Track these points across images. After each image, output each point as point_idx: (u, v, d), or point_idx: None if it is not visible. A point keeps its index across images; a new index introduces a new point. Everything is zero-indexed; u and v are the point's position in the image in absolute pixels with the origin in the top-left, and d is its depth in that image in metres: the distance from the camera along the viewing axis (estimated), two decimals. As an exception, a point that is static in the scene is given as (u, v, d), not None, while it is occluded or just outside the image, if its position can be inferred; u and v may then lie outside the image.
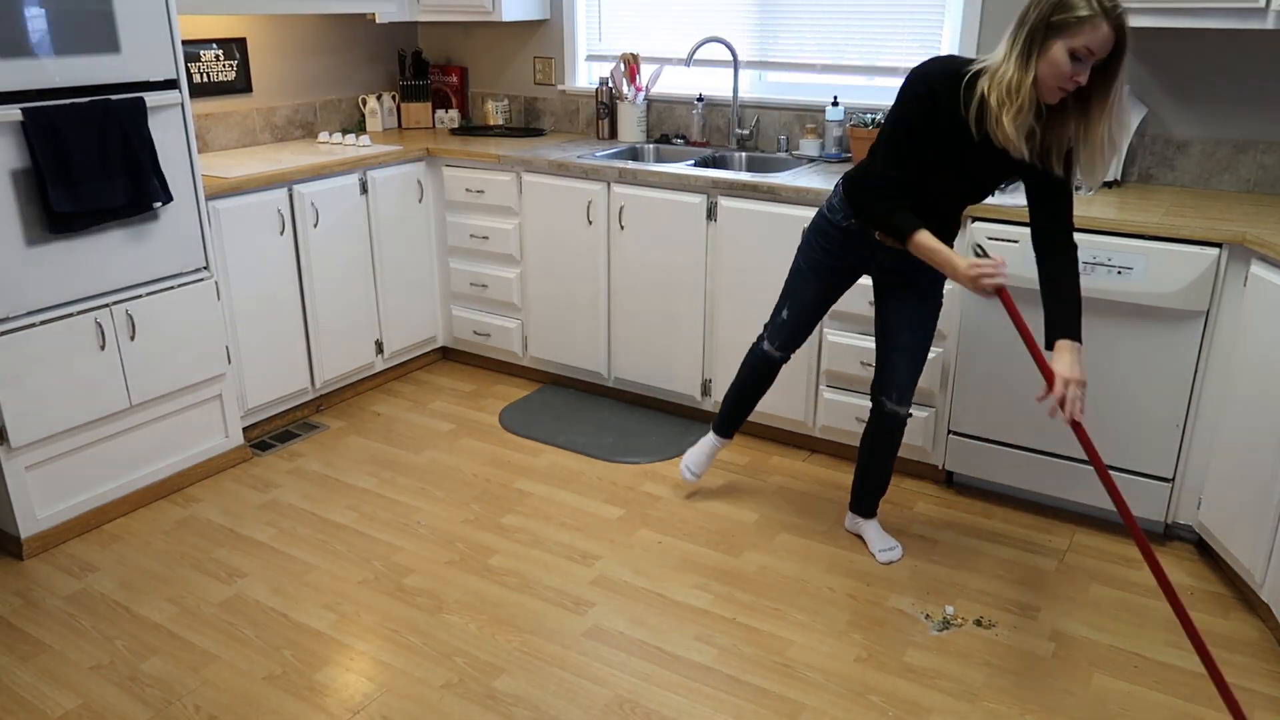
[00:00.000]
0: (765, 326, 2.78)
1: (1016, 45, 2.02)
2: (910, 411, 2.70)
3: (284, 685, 2.30)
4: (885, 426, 2.68)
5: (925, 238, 2.25)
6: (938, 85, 2.16)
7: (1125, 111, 2.08)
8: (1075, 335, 2.16)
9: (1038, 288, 2.78)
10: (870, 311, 3.11)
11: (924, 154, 2.25)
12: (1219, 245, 2.57)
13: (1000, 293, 2.19)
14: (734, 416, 2.96)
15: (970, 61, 2.17)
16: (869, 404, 2.75)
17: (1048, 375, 2.14)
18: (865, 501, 2.85)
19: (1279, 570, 2.38)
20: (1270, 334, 2.41)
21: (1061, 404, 2.11)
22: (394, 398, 3.92)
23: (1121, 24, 1.97)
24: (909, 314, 2.54)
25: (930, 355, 3.04)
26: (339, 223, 3.61)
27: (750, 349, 2.84)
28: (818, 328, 2.93)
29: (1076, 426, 2.13)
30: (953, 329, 3.01)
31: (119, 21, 2.77)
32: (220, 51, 3.76)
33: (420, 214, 3.97)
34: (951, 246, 2.34)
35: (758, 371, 2.82)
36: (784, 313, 2.69)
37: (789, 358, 2.79)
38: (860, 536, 2.88)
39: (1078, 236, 2.70)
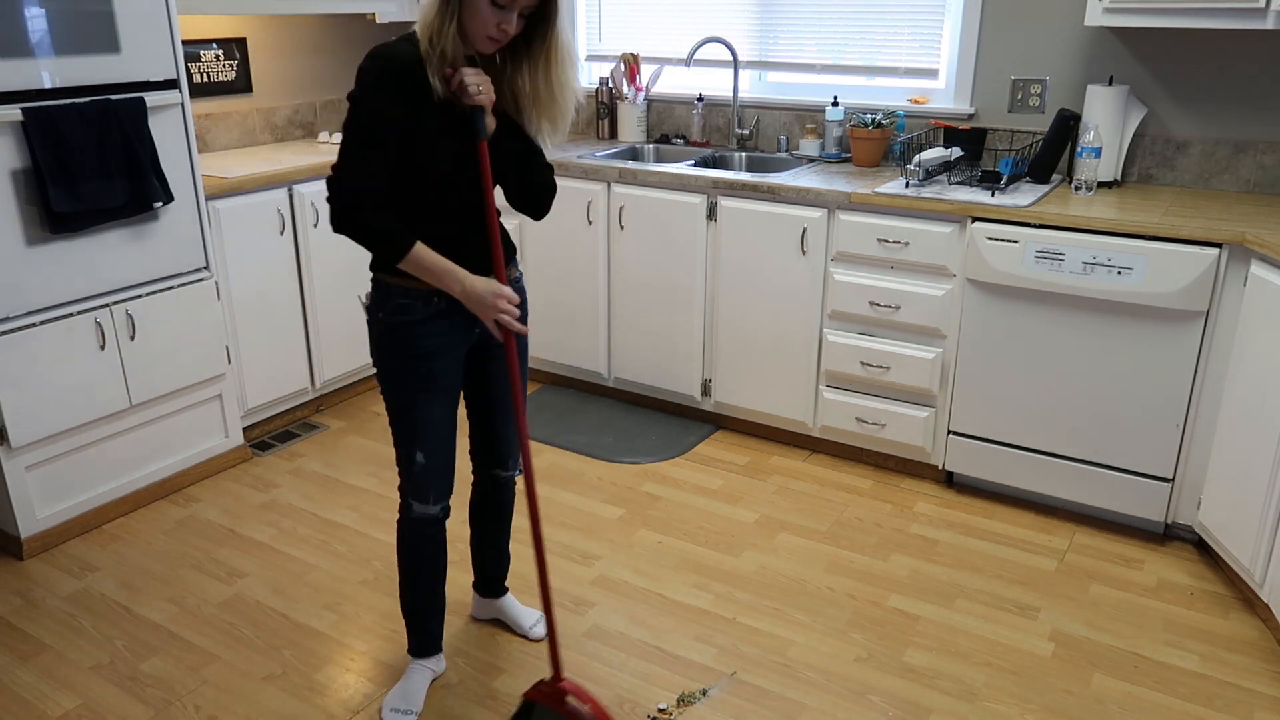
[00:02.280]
0: (402, 489, 2.11)
1: (442, 4, 1.80)
2: (517, 473, 2.30)
3: (284, 685, 2.30)
4: (501, 496, 2.33)
5: (421, 254, 1.87)
6: (398, 67, 1.83)
7: (569, 66, 1.90)
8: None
9: (1035, 287, 2.79)
10: (868, 311, 3.11)
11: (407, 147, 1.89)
12: (1219, 245, 2.57)
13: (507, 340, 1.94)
14: (429, 621, 2.27)
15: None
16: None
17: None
18: (496, 582, 2.46)
19: (1279, 570, 2.38)
20: (1270, 334, 2.41)
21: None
22: (394, 398, 3.92)
23: None
24: (509, 368, 2.04)
25: (930, 355, 3.05)
26: (339, 223, 3.61)
27: (399, 525, 2.15)
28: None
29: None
30: (953, 329, 3.01)
31: (119, 21, 2.77)
32: (220, 51, 3.76)
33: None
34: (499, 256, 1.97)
35: (424, 548, 2.17)
36: (418, 457, 2.05)
37: (449, 510, 2.17)
38: (498, 620, 2.50)
39: (1078, 237, 2.72)
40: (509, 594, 2.50)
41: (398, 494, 2.12)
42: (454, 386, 2.07)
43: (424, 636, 2.27)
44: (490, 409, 2.20)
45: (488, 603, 2.49)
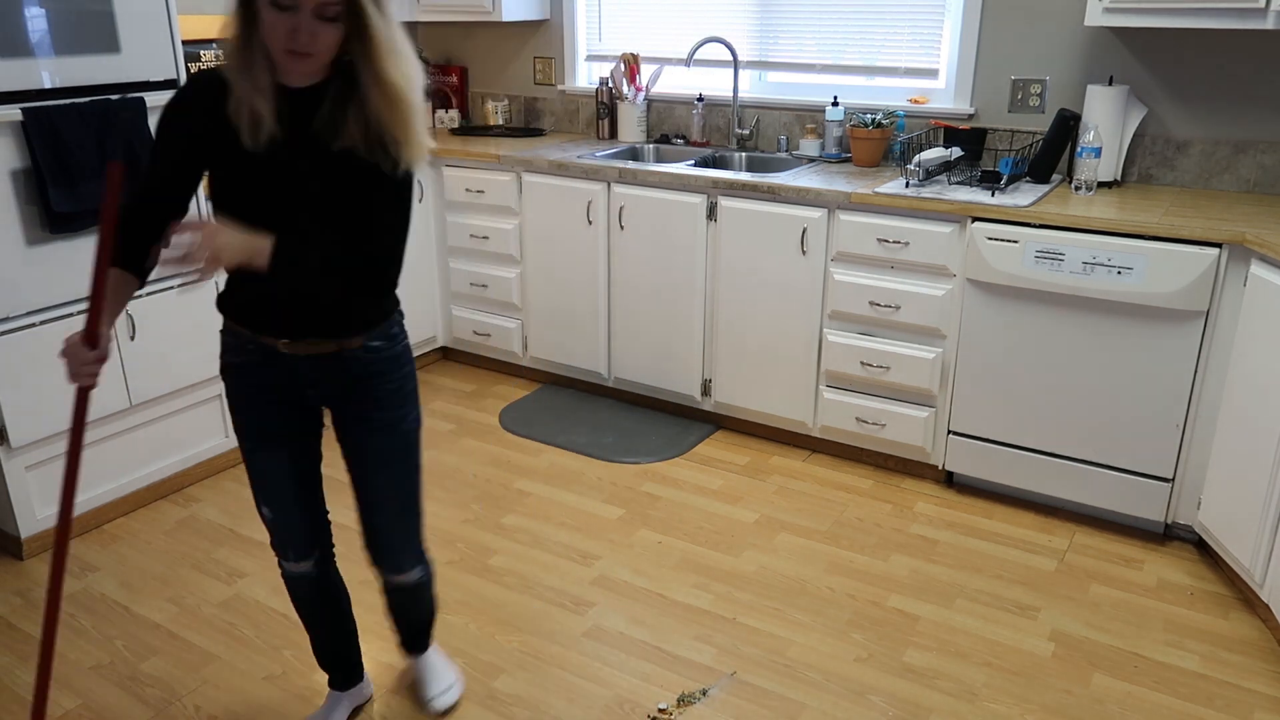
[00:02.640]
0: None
1: (234, 18, 1.57)
2: (426, 568, 2.03)
3: (284, 685, 2.30)
4: (400, 598, 2.07)
5: (118, 279, 1.66)
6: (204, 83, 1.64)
7: (397, 61, 1.55)
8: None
9: (1035, 287, 2.79)
10: (869, 311, 3.12)
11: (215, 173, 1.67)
12: (1219, 245, 2.57)
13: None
14: (336, 656, 2.15)
15: None
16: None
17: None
18: (418, 642, 2.25)
19: (1279, 570, 2.38)
20: (1270, 334, 2.41)
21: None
22: (394, 398, 3.92)
23: None
24: (372, 451, 1.86)
25: (930, 355, 3.05)
26: (339, 223, 3.61)
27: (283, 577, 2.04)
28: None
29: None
30: (953, 329, 3.01)
31: (119, 21, 2.77)
32: (220, 52, 3.75)
33: (420, 214, 3.97)
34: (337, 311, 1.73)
35: (309, 598, 2.05)
36: (263, 510, 1.92)
37: (328, 559, 2.03)
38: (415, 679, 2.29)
39: (1078, 237, 2.71)
40: (431, 651, 2.26)
41: None
42: (294, 437, 1.86)
43: (335, 673, 2.16)
44: (357, 491, 1.92)
45: (407, 657, 2.28)
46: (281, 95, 1.60)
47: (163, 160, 1.66)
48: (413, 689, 2.26)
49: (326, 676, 2.19)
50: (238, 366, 1.81)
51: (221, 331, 1.82)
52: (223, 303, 1.79)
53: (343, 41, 1.55)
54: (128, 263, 1.67)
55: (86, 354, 1.54)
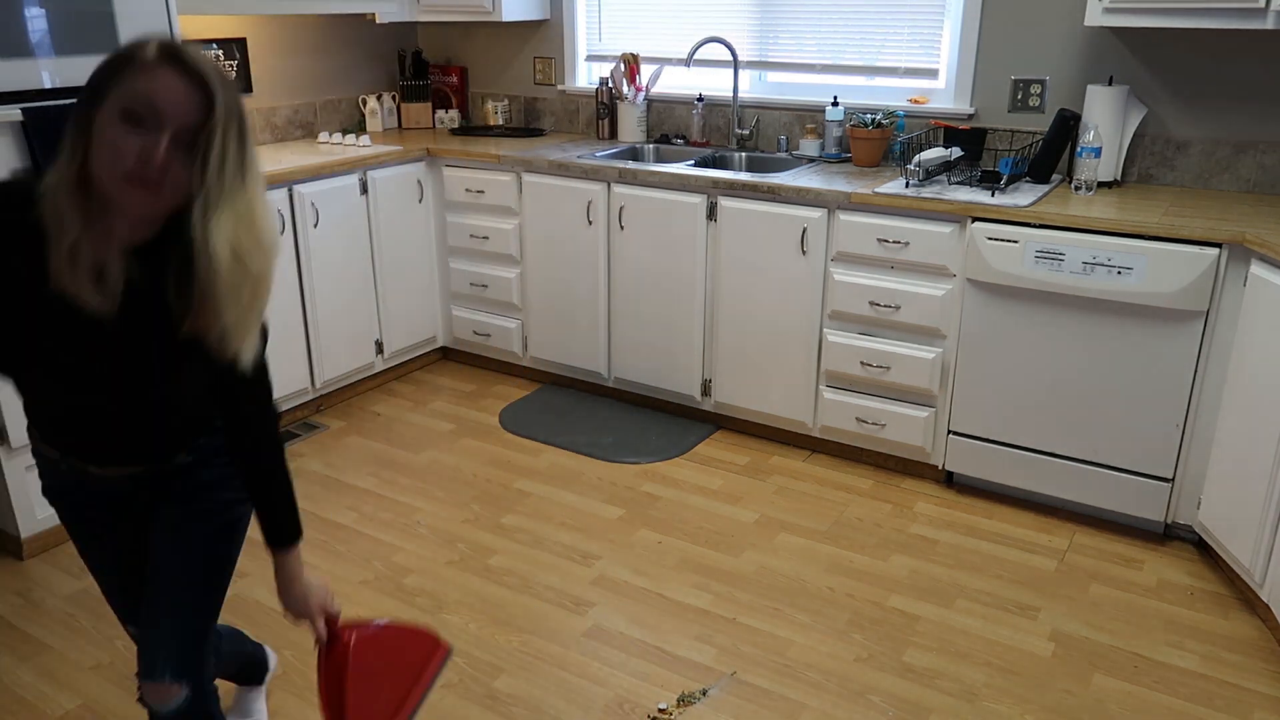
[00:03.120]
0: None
1: (70, 133, 1.25)
2: (178, 698, 1.56)
3: (284, 685, 2.30)
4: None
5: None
6: None
7: (260, 228, 1.32)
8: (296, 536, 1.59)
9: (1035, 287, 2.79)
10: (869, 311, 3.12)
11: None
12: (1219, 245, 2.57)
13: None
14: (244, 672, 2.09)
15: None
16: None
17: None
18: None
19: (1279, 570, 2.38)
20: (1270, 334, 2.41)
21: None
22: (394, 398, 3.92)
23: (200, 73, 1.23)
24: (166, 549, 1.58)
25: (929, 355, 3.05)
26: (339, 223, 3.61)
27: None
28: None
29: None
30: (953, 329, 3.01)
31: (119, 22, 2.77)
32: (220, 51, 3.76)
33: (420, 214, 3.97)
34: (161, 442, 1.53)
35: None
36: (129, 628, 1.77)
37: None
38: None
39: (1078, 237, 2.72)
40: None
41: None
42: (114, 550, 1.66)
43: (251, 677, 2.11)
44: (143, 599, 1.60)
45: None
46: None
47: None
48: None
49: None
50: (48, 488, 1.66)
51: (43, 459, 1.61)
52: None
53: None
54: None
55: None
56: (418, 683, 1.74)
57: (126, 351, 1.37)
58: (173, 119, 1.21)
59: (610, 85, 4.03)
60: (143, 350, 1.38)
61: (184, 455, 1.55)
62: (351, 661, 1.64)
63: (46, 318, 1.33)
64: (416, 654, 1.76)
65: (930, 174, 3.06)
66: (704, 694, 2.25)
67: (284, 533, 1.57)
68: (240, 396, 1.49)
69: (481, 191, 3.87)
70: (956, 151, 3.15)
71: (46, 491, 1.62)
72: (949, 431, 3.11)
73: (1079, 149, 2.99)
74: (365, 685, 1.66)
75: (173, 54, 1.23)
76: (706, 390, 3.59)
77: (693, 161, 3.65)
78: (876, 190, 3.03)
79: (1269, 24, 2.59)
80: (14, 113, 2.55)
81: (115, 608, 1.75)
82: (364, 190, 3.69)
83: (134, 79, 1.21)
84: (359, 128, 4.30)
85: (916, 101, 3.51)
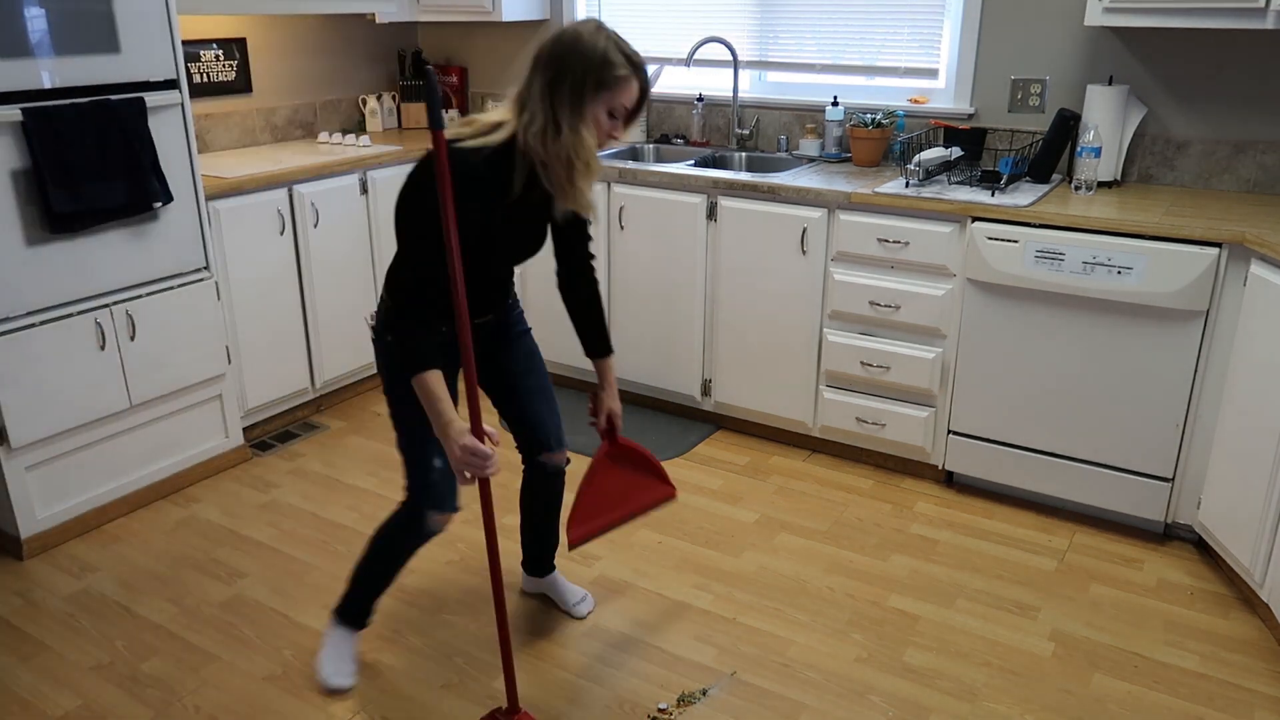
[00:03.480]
0: (415, 500, 2.15)
1: (562, 108, 1.84)
2: (568, 457, 2.37)
3: (284, 685, 2.30)
4: (551, 485, 2.38)
5: (433, 382, 1.90)
6: (468, 170, 1.86)
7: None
8: (608, 350, 2.30)
9: (1035, 287, 2.79)
10: (869, 311, 3.11)
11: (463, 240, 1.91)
12: (1219, 245, 2.57)
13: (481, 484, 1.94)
14: (367, 601, 2.34)
15: (458, 140, 1.87)
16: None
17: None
18: (543, 561, 2.57)
19: (1279, 570, 2.38)
20: (1270, 334, 2.41)
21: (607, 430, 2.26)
22: (394, 398, 3.92)
23: (647, 79, 1.91)
24: (519, 361, 2.30)
25: (929, 355, 3.05)
26: (339, 223, 3.61)
27: (398, 526, 2.20)
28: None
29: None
30: (953, 329, 3.01)
31: (119, 21, 2.77)
32: (220, 51, 3.76)
33: (420, 214, 3.96)
34: (505, 299, 2.23)
35: (414, 548, 2.27)
36: (436, 463, 2.09)
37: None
38: (545, 596, 2.61)
39: (1078, 237, 2.72)
40: (556, 572, 2.59)
41: (401, 501, 2.16)
42: (456, 395, 2.10)
43: (370, 614, 2.36)
44: (512, 395, 2.28)
45: (535, 580, 2.60)
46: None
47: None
48: (545, 601, 2.58)
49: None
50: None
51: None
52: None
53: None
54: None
55: (484, 450, 1.87)
56: (634, 504, 2.34)
57: (536, 230, 2.10)
58: (630, 110, 1.92)
59: (610, 85, 4.03)
60: (540, 227, 2.11)
61: (512, 301, 2.28)
62: (600, 462, 2.27)
63: (505, 224, 1.97)
64: (649, 483, 2.36)
65: (930, 174, 3.06)
66: (704, 694, 2.25)
67: (608, 343, 2.30)
68: (587, 243, 2.24)
69: (481, 191, 3.86)
70: (956, 151, 3.15)
71: (429, 361, 1.91)
72: (949, 431, 3.11)
73: (1079, 149, 2.99)
74: (600, 485, 2.27)
75: (637, 66, 1.87)
76: (706, 390, 3.59)
77: (693, 161, 3.65)
78: (876, 190, 3.03)
79: (1269, 24, 2.59)
80: (14, 113, 2.55)
81: (433, 444, 2.03)
82: (364, 190, 3.69)
83: (616, 91, 1.85)
84: (359, 128, 4.30)
85: (916, 101, 3.51)
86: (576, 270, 2.26)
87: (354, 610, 2.33)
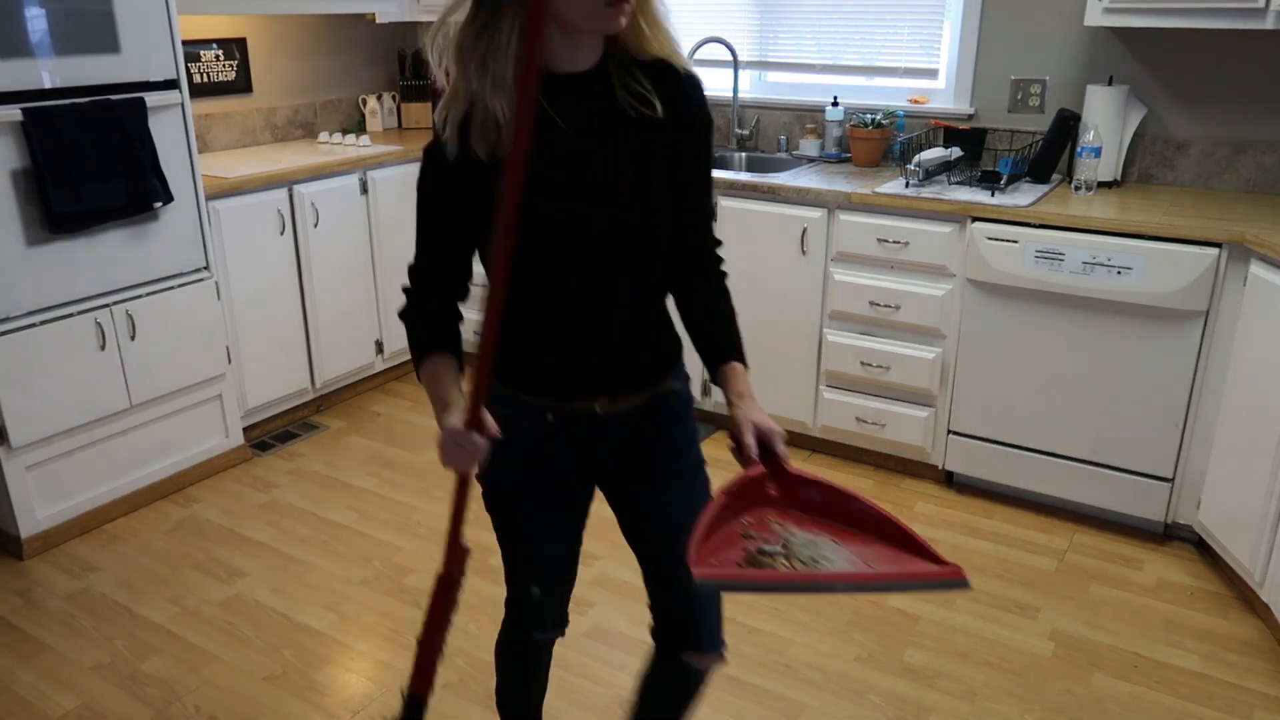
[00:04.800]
0: (513, 615, 1.75)
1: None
2: (725, 657, 1.62)
3: (284, 685, 2.30)
4: (686, 688, 1.65)
5: (433, 369, 1.56)
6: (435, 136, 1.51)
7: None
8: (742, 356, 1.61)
9: (1035, 287, 2.79)
10: (869, 311, 3.12)
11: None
12: (1219, 245, 2.57)
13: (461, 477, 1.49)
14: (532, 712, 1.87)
15: None
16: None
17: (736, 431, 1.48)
18: None
19: (1279, 570, 2.38)
20: (1270, 334, 2.41)
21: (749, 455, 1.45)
22: (394, 398, 3.92)
23: None
24: (682, 509, 1.55)
25: (929, 355, 3.05)
26: (339, 223, 3.61)
27: (507, 644, 1.77)
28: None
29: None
30: (953, 329, 3.01)
31: (119, 21, 2.77)
32: (220, 51, 3.76)
33: (416, 217, 3.96)
34: (633, 354, 1.58)
35: (534, 667, 1.81)
36: (533, 590, 1.70)
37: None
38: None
39: (1078, 237, 2.71)
40: None
41: (503, 606, 1.80)
42: (569, 509, 1.72)
43: None
44: (659, 556, 1.62)
45: None
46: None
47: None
48: None
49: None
50: (528, 437, 1.59)
51: (501, 408, 1.50)
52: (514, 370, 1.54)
53: None
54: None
55: (471, 440, 1.41)
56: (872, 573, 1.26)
57: (602, 171, 1.52)
58: None
59: (610, 85, 4.03)
60: (610, 167, 1.54)
61: (658, 364, 1.68)
62: (725, 497, 1.35)
63: (548, 171, 1.46)
64: (894, 555, 1.28)
65: (930, 174, 3.06)
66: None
67: (742, 351, 1.63)
68: (709, 224, 1.65)
69: (481, 191, 3.86)
70: (956, 151, 3.15)
71: (426, 346, 1.62)
72: (949, 431, 3.11)
73: (1079, 149, 2.99)
74: (716, 530, 1.31)
75: None
76: (706, 390, 3.59)
77: (693, 161, 3.64)
78: (876, 190, 3.03)
79: (1269, 24, 2.60)
80: (14, 113, 2.55)
81: (537, 569, 1.67)
82: (364, 190, 3.69)
83: None
84: (359, 128, 4.30)
85: (916, 101, 3.51)
86: (697, 271, 1.65)
87: None
